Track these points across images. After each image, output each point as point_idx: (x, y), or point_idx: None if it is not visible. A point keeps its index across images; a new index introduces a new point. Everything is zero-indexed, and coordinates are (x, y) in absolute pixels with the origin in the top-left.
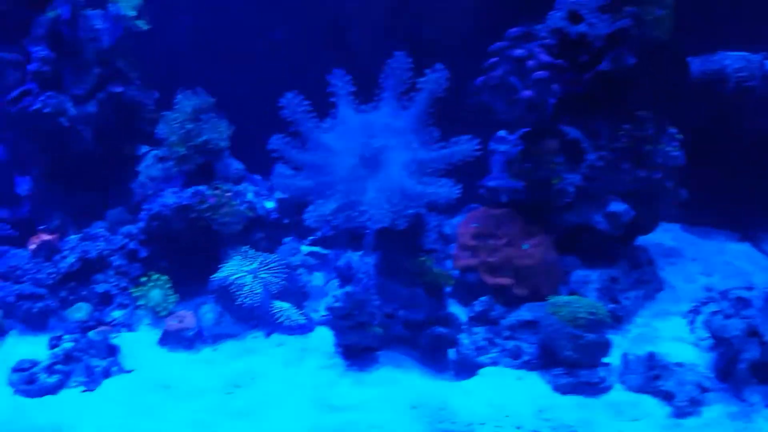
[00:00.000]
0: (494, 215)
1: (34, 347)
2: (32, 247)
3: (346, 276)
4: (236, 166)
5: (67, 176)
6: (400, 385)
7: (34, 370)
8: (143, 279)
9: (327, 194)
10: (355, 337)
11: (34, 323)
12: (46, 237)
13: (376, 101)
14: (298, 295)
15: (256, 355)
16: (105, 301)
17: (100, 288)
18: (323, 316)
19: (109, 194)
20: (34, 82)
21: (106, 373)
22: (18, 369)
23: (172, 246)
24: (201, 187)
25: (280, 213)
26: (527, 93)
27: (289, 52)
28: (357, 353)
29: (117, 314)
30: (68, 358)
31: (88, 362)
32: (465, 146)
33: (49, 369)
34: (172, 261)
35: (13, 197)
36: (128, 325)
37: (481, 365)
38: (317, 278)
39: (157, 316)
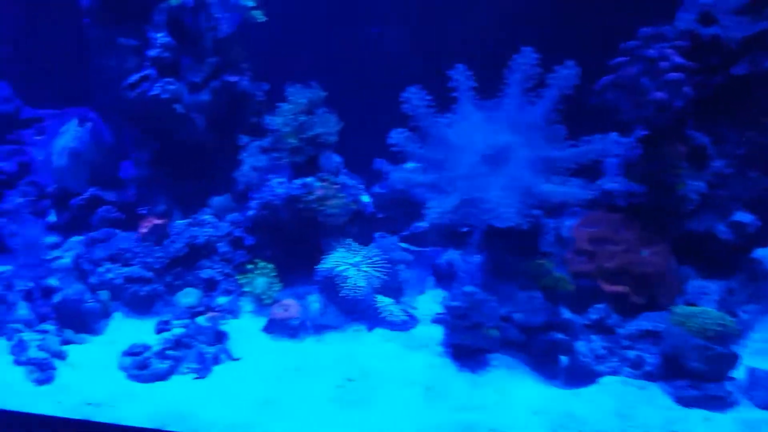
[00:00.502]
0: (611, 219)
1: (139, 330)
2: (143, 230)
3: (443, 274)
4: (336, 159)
5: (174, 162)
6: (515, 390)
7: (146, 355)
8: (249, 266)
9: (448, 190)
10: (469, 338)
11: (140, 306)
12: (157, 221)
13: (498, 97)
14: (394, 290)
15: (361, 349)
16: (210, 287)
17: (206, 274)
18: (438, 314)
19: (212, 182)
20: (152, 68)
21: (215, 360)
22: (130, 353)
23: (277, 235)
24: (309, 179)
25: (375, 208)
26: (659, 94)
27: (383, 47)
28: (467, 354)
29: (222, 300)
30: (178, 343)
31: (200, 349)
32: (598, 145)
33: (161, 354)
34: (275, 250)
35: (117, 181)
36: (232, 312)
37: (600, 374)
38: (410, 275)
39: (261, 304)
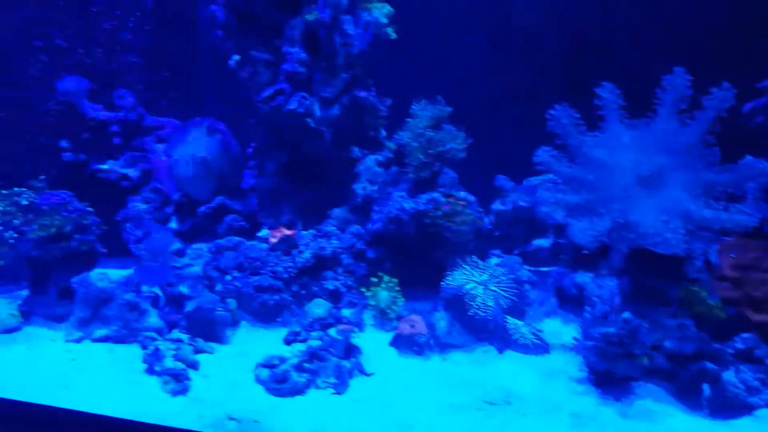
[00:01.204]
0: (757, 246)
1: (266, 340)
2: (273, 240)
3: (570, 297)
4: (452, 175)
5: (297, 174)
6: (664, 419)
7: (284, 367)
8: (374, 279)
9: (600, 212)
10: (620, 366)
11: (266, 316)
12: (287, 232)
13: (647, 116)
14: (519, 311)
15: (494, 371)
16: (335, 298)
17: (331, 285)
18: (576, 338)
19: (331, 194)
20: (286, 82)
21: (350, 375)
22: (266, 365)
23: (399, 249)
24: (435, 194)
25: (492, 225)
26: None
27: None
28: (611, 381)
29: (346, 312)
30: (313, 356)
31: (338, 363)
32: (757, 169)
33: (299, 367)
34: (396, 264)
35: (239, 190)
36: (357, 325)
37: (754, 406)
38: (534, 296)
39: (384, 318)
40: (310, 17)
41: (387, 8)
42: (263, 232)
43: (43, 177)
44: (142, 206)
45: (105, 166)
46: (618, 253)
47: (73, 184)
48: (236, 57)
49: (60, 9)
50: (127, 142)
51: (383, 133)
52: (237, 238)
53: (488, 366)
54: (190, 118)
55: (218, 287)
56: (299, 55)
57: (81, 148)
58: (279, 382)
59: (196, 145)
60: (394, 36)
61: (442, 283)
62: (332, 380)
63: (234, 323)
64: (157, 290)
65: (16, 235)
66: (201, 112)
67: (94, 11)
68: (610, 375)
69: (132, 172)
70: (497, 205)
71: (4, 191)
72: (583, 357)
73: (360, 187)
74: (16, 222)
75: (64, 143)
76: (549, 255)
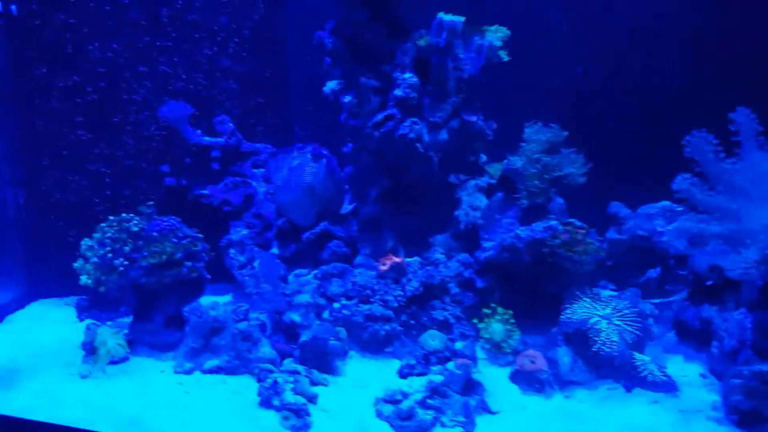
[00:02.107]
0: None
1: (379, 373)
2: (383, 267)
3: (692, 331)
4: (560, 201)
5: (400, 200)
6: None
7: (407, 403)
8: (486, 311)
9: (746, 243)
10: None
11: (375, 346)
12: (396, 259)
13: None
14: (638, 346)
15: (626, 411)
16: (444, 329)
17: (440, 315)
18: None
19: (432, 220)
20: (396, 107)
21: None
22: (389, 400)
23: (510, 279)
24: (553, 222)
25: (605, 255)
26: None
27: (585, 86)
28: (757, 421)
29: (459, 345)
30: (434, 392)
31: (465, 400)
32: None
33: (423, 404)
34: (506, 294)
35: (340, 216)
36: (472, 359)
37: None
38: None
39: (498, 352)
40: (422, 42)
41: (503, 31)
42: (358, 259)
43: (151, 203)
44: (244, 231)
45: (206, 191)
46: (751, 285)
47: (174, 209)
48: (340, 83)
49: (164, 35)
50: (225, 167)
51: (483, 158)
52: (342, 265)
53: (617, 405)
54: (288, 145)
55: (325, 315)
56: (411, 81)
57: (182, 173)
58: (404, 419)
59: (300, 171)
60: (506, 59)
61: (561, 316)
62: (460, 418)
63: (344, 354)
64: (264, 318)
65: (126, 263)
66: (292, 139)
67: (197, 37)
68: (758, 415)
69: (233, 198)
70: (612, 234)
71: (111, 217)
72: (721, 395)
73: (462, 214)
74: (126, 249)
75: (165, 168)
76: (657, 286)
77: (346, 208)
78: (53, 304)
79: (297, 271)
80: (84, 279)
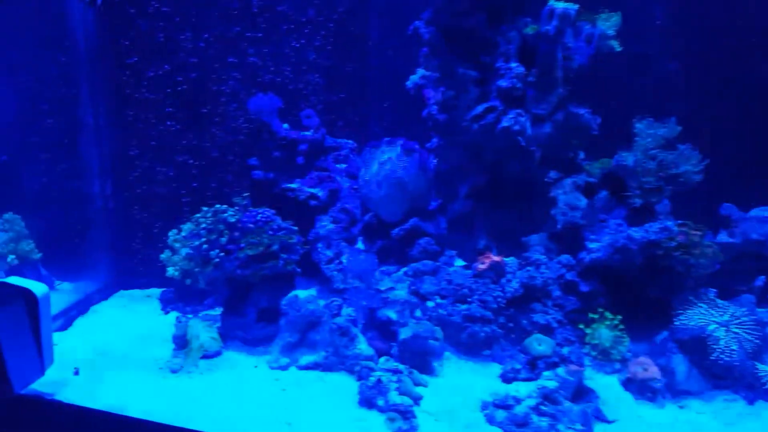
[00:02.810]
0: None
1: (479, 376)
2: (481, 267)
3: None
4: (665, 202)
5: (495, 196)
6: None
7: (521, 409)
8: (594, 316)
9: None
10: None
11: (472, 348)
12: (495, 258)
13: None
14: (757, 356)
15: (748, 424)
16: (546, 333)
17: (541, 319)
18: None
19: (524, 218)
20: (498, 99)
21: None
22: (500, 405)
23: (616, 282)
24: (668, 222)
25: None
26: None
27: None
28: None
29: (565, 350)
30: (546, 398)
31: (583, 408)
32: None
33: (537, 410)
34: (612, 298)
35: (429, 212)
36: (580, 365)
37: None
38: None
39: (606, 359)
40: (529, 30)
41: (614, 18)
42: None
43: (246, 194)
44: (331, 226)
45: (294, 185)
46: None
47: (260, 202)
48: (425, 77)
49: (255, 26)
50: (310, 161)
51: (581, 154)
52: (433, 263)
53: (739, 417)
54: (365, 140)
55: (417, 314)
56: (517, 70)
57: (270, 167)
58: (520, 425)
59: (390, 165)
60: (618, 49)
61: (674, 322)
62: (578, 426)
63: (440, 354)
64: (354, 313)
65: (222, 254)
66: (369, 135)
67: (285, 29)
68: None
69: (319, 192)
70: (723, 237)
71: (205, 208)
72: None
73: (560, 213)
74: (222, 240)
75: (253, 161)
76: (762, 295)
77: (434, 203)
78: (136, 295)
79: (384, 268)
80: (171, 271)
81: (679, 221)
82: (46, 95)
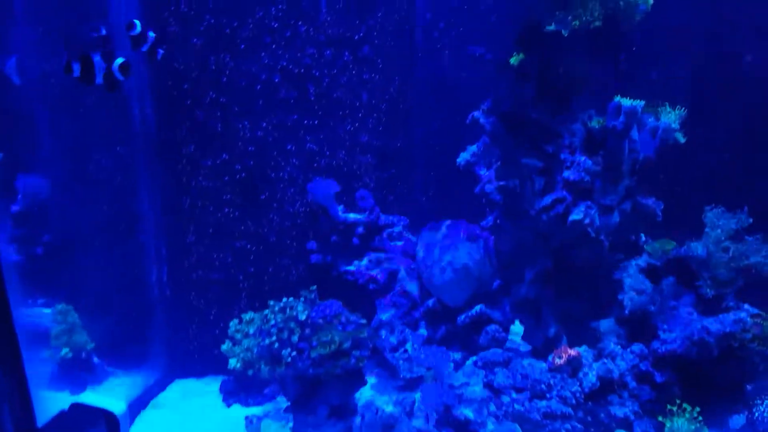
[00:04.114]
0: None
1: None
2: (559, 361)
3: None
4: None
5: (558, 281)
6: None
7: None
8: (672, 408)
9: None
10: None
11: None
12: (572, 352)
13: None
14: None
15: None
16: (626, 427)
17: (619, 412)
18: None
19: (590, 303)
20: (565, 189)
21: None
22: None
23: (691, 373)
24: (742, 314)
25: None
26: None
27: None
28: None
29: None
30: None
31: None
32: None
33: None
34: (686, 386)
35: (493, 297)
36: None
37: None
38: None
39: None
40: (595, 124)
41: (677, 112)
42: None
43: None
44: (392, 311)
45: (352, 268)
46: None
47: (318, 286)
48: (505, 163)
49: (312, 113)
50: (366, 242)
51: (642, 237)
52: (503, 351)
53: None
54: (414, 213)
55: (491, 408)
56: (586, 164)
57: (328, 250)
58: None
59: (454, 250)
60: (683, 140)
61: (755, 413)
62: None
63: None
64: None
65: (294, 353)
66: (418, 209)
67: (340, 114)
68: None
69: (378, 274)
70: None
71: (272, 302)
72: None
73: (627, 298)
74: (294, 338)
75: (312, 245)
76: None
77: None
78: (194, 385)
79: (449, 354)
80: (233, 362)
81: (755, 311)
82: (105, 184)
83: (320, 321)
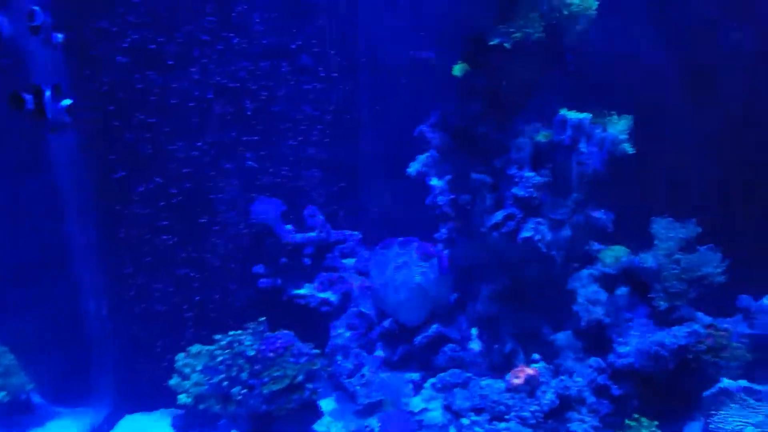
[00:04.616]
0: None
1: None
2: (516, 381)
3: None
4: None
5: (514, 297)
6: None
7: None
8: (631, 423)
9: None
10: None
11: None
12: (530, 371)
13: None
14: None
15: None
16: None
17: (579, 429)
18: None
19: (546, 315)
20: (515, 205)
21: None
22: None
23: (648, 385)
24: (696, 326)
25: None
26: None
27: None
28: None
29: None
30: None
31: None
32: None
33: None
34: (644, 398)
35: (449, 315)
36: None
37: None
38: None
39: None
40: (542, 138)
41: (624, 122)
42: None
43: (263, 319)
44: (347, 334)
45: (303, 291)
46: None
47: (267, 311)
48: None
49: (250, 129)
50: (317, 261)
51: (595, 245)
52: (461, 372)
53: None
54: (367, 228)
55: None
56: (534, 180)
57: (276, 273)
58: None
59: (407, 270)
60: (631, 151)
61: (710, 425)
62: None
63: None
64: None
65: (245, 391)
66: (369, 221)
67: (282, 128)
68: None
69: (331, 296)
70: (743, 329)
71: (218, 336)
72: None
73: (582, 309)
74: (243, 376)
75: (259, 269)
76: None
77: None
78: (145, 420)
79: (407, 375)
80: (183, 398)
81: (708, 322)
82: (30, 216)
83: (271, 354)
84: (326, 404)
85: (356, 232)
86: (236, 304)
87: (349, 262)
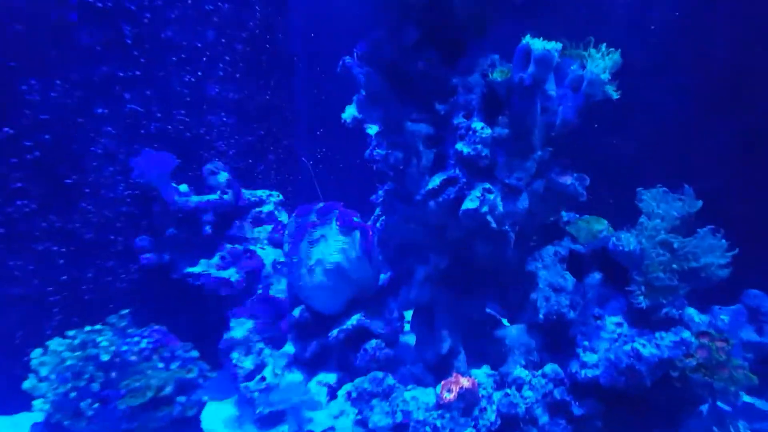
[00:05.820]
0: None
1: None
2: (448, 396)
3: None
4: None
5: (457, 281)
6: None
7: None
8: None
9: None
10: None
11: None
12: (465, 383)
13: None
14: None
15: None
16: None
17: None
18: None
19: (502, 306)
20: (458, 166)
21: None
22: None
23: (617, 404)
24: (685, 333)
25: None
26: None
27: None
28: None
29: None
30: None
31: None
32: None
33: None
34: (609, 420)
35: (376, 302)
36: None
37: None
38: None
39: None
40: (497, 76)
41: (612, 58)
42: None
43: (126, 311)
44: (249, 324)
45: (197, 269)
46: None
47: (154, 295)
48: (361, 116)
49: (130, 62)
50: (221, 231)
51: (564, 216)
52: (384, 375)
53: None
54: (295, 188)
55: None
56: (483, 134)
57: (165, 247)
58: None
59: (325, 246)
60: (616, 96)
61: None
62: None
63: None
64: None
65: (96, 405)
66: (299, 180)
67: (174, 60)
68: None
69: (233, 275)
70: (750, 335)
71: (71, 333)
72: None
73: (542, 298)
74: (94, 386)
75: (142, 241)
76: None
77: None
78: (3, 425)
79: (321, 377)
80: (38, 404)
81: (702, 329)
82: None
83: (133, 358)
84: (224, 410)
85: (275, 192)
86: (117, 285)
87: (265, 230)
